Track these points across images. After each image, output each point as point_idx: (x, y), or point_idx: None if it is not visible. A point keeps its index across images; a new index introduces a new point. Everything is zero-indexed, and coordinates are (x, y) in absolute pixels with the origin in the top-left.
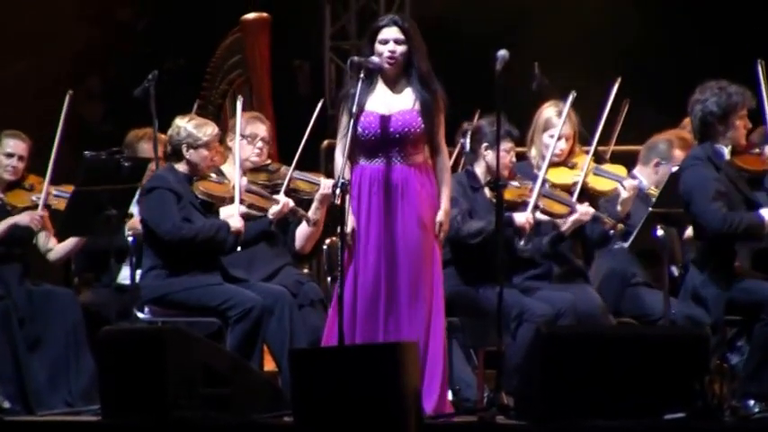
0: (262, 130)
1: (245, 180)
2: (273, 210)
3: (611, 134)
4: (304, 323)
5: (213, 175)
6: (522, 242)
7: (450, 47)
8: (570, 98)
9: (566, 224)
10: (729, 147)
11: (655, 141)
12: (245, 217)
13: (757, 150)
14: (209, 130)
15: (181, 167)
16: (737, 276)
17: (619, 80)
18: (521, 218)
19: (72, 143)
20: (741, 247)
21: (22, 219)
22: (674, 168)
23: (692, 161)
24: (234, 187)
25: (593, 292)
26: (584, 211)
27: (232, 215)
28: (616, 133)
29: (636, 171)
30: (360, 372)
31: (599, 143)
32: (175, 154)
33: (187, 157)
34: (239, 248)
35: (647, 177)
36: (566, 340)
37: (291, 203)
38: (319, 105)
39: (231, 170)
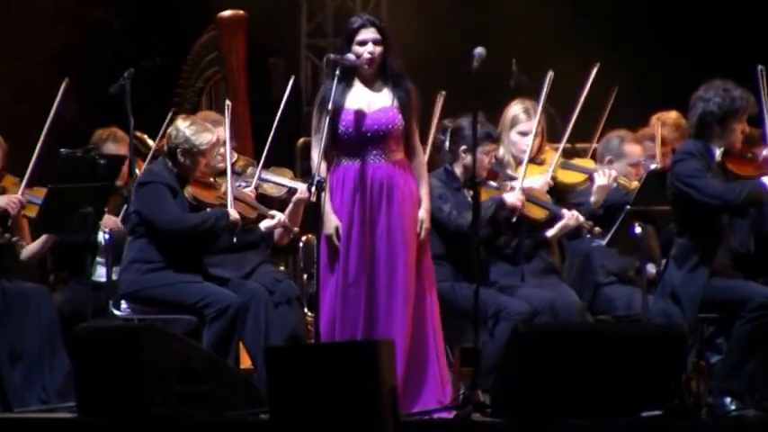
0: (217, 135)
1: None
2: (266, 224)
3: (592, 132)
4: (280, 321)
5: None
6: (514, 219)
7: (426, 46)
8: (548, 78)
9: (552, 230)
10: (722, 149)
11: (608, 138)
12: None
13: (750, 155)
14: (206, 137)
15: (174, 167)
16: (716, 274)
17: (597, 66)
18: (511, 197)
19: (48, 141)
20: (722, 248)
21: None
22: (653, 166)
23: (683, 155)
24: (225, 193)
25: (570, 289)
26: (571, 215)
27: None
28: (598, 132)
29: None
30: (335, 369)
31: (579, 136)
32: (171, 154)
33: (181, 161)
34: (234, 239)
35: None
36: (543, 338)
37: (284, 218)
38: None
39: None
